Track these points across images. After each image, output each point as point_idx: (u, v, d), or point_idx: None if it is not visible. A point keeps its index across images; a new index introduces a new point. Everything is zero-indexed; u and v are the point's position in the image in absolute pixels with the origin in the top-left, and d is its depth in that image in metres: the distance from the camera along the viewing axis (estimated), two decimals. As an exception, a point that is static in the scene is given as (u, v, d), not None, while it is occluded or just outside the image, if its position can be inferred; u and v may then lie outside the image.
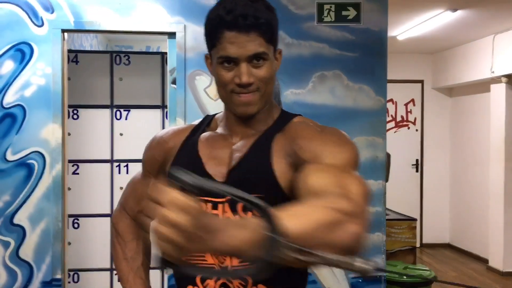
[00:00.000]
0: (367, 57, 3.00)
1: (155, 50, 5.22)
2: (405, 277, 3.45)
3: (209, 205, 1.09)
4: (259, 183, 1.07)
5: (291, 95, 2.95)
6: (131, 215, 1.32)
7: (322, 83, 2.97)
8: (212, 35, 1.08)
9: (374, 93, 3.00)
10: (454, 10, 4.28)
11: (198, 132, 1.20)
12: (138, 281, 1.28)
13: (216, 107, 2.91)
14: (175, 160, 1.17)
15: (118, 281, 1.33)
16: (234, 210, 1.07)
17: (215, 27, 1.07)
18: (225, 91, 1.11)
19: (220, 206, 1.08)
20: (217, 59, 1.08)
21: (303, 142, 1.06)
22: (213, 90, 2.95)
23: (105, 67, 3.39)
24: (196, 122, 1.26)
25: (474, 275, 5.40)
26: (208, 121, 1.24)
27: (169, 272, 2.92)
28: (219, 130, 1.20)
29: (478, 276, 5.39)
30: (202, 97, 2.94)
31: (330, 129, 1.10)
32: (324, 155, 1.02)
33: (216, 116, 1.25)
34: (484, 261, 5.73)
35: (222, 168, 1.12)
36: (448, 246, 6.58)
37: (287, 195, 1.06)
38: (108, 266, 3.37)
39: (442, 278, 5.05)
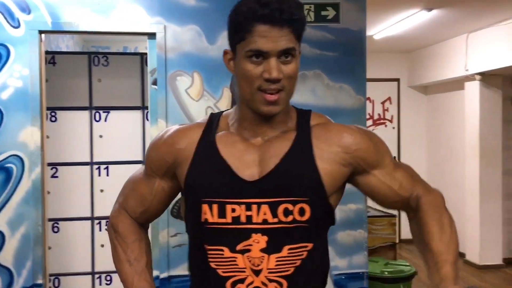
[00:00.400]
0: (347, 57, 3.03)
1: (132, 51, 5.17)
2: (386, 273, 3.50)
3: (243, 206, 1.08)
4: (303, 186, 1.09)
5: (272, 95, 2.96)
6: (133, 215, 1.26)
7: (303, 83, 2.99)
8: (242, 28, 1.06)
9: (354, 92, 3.04)
10: (430, 9, 4.35)
11: (212, 132, 1.16)
12: (144, 284, 1.21)
13: (197, 107, 2.90)
14: (194, 162, 1.13)
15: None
16: (274, 213, 1.08)
17: (247, 20, 1.05)
18: (250, 87, 1.08)
19: (254, 207, 1.08)
20: (245, 53, 1.06)
21: (362, 152, 1.15)
22: (194, 90, 2.93)
23: (83, 69, 3.34)
24: (200, 120, 1.21)
25: (451, 269, 5.50)
26: (216, 120, 1.19)
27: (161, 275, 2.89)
28: (233, 129, 1.16)
29: (456, 270, 5.49)
30: (184, 98, 2.92)
31: (364, 129, 1.20)
32: (383, 158, 1.18)
33: (224, 114, 1.21)
34: (461, 255, 5.84)
35: (252, 170, 1.10)
36: (426, 242, 6.68)
37: (328, 197, 1.12)
38: (89, 270, 3.33)
39: (422, 273, 5.12)
